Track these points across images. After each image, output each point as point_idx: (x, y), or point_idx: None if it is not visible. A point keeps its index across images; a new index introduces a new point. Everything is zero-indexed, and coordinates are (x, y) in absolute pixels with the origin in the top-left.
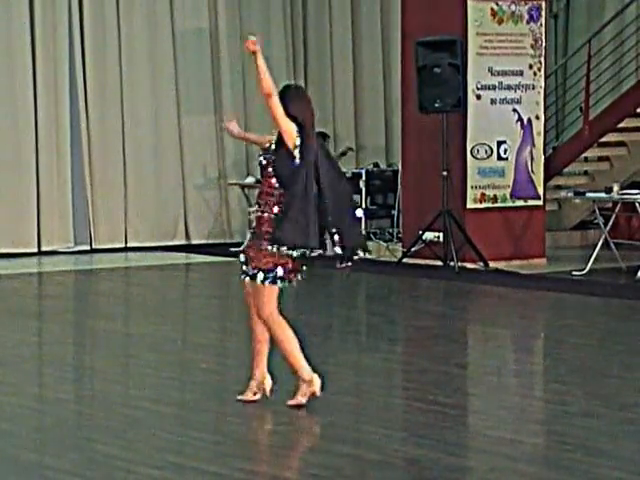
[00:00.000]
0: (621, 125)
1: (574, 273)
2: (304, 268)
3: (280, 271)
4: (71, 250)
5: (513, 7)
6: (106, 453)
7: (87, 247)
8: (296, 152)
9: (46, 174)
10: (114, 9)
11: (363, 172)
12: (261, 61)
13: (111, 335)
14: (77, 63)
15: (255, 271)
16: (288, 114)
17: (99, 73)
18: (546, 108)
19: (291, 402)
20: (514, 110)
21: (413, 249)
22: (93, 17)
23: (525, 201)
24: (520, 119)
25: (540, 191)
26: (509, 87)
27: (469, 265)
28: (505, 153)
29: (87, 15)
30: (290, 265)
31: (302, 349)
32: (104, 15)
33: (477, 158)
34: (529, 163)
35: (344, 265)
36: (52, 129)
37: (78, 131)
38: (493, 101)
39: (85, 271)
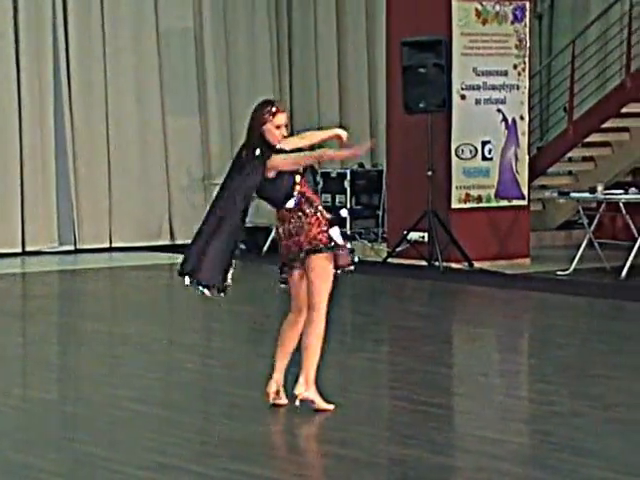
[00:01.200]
0: (605, 125)
1: (559, 273)
2: None
3: None
4: (56, 250)
5: (497, 7)
6: (91, 453)
7: (72, 247)
8: None
9: (30, 174)
10: (99, 9)
11: (348, 172)
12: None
13: (96, 335)
14: (61, 63)
15: None
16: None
17: (83, 73)
18: (530, 108)
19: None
20: (499, 110)
21: (398, 249)
22: (77, 17)
23: (510, 201)
24: (505, 119)
25: (525, 191)
26: (494, 87)
27: (454, 265)
28: (490, 153)
29: (71, 15)
30: None
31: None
32: (89, 15)
33: (462, 158)
34: (514, 163)
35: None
36: (36, 129)
37: (62, 131)
38: (478, 101)
39: (70, 271)
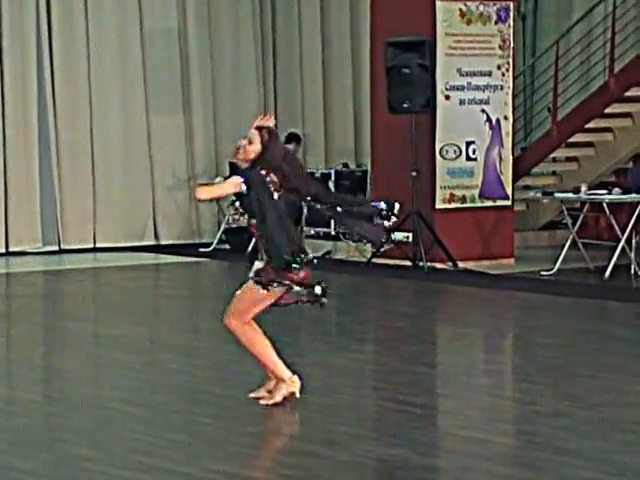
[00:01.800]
0: (589, 126)
1: (542, 273)
2: None
3: None
4: (40, 250)
5: (482, 8)
6: (76, 454)
7: (56, 247)
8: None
9: (14, 174)
10: (82, 9)
11: (332, 172)
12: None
13: (80, 336)
14: (45, 63)
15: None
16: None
17: (67, 73)
18: (514, 109)
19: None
20: (483, 111)
21: (382, 249)
22: (61, 16)
23: (494, 201)
24: (489, 119)
25: (509, 191)
26: (478, 88)
27: (438, 265)
28: (474, 153)
29: (55, 14)
30: None
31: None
32: (72, 15)
33: (446, 158)
34: (498, 163)
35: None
36: (20, 129)
37: (46, 131)
38: (462, 101)
39: (54, 272)
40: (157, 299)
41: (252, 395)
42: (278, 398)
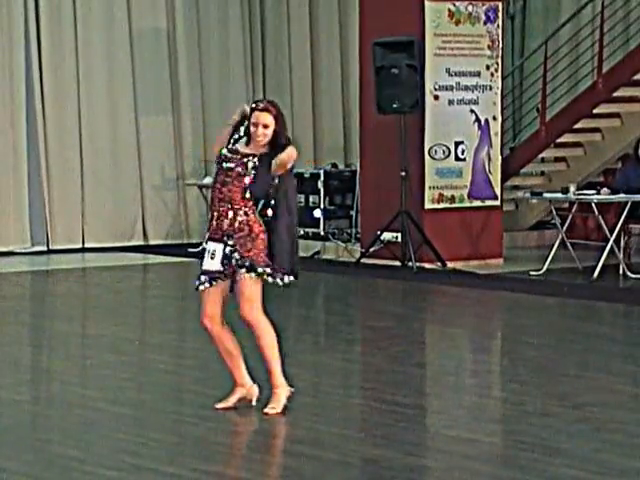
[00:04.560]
0: (577, 126)
1: (531, 273)
2: None
3: None
4: (28, 251)
5: (470, 8)
6: (63, 454)
7: (44, 248)
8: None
9: (2, 174)
10: (71, 8)
11: (321, 172)
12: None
13: (68, 336)
14: (34, 62)
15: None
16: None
17: (56, 72)
18: (503, 109)
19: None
20: (471, 111)
21: (371, 249)
22: (50, 16)
23: (482, 201)
24: (477, 120)
25: (497, 191)
26: (466, 88)
27: (427, 265)
28: (463, 154)
29: (43, 14)
30: None
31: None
32: (60, 15)
33: (435, 159)
34: (486, 164)
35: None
36: (8, 128)
37: (35, 131)
38: (451, 102)
39: (42, 272)
40: (145, 299)
41: (222, 406)
42: (283, 403)
